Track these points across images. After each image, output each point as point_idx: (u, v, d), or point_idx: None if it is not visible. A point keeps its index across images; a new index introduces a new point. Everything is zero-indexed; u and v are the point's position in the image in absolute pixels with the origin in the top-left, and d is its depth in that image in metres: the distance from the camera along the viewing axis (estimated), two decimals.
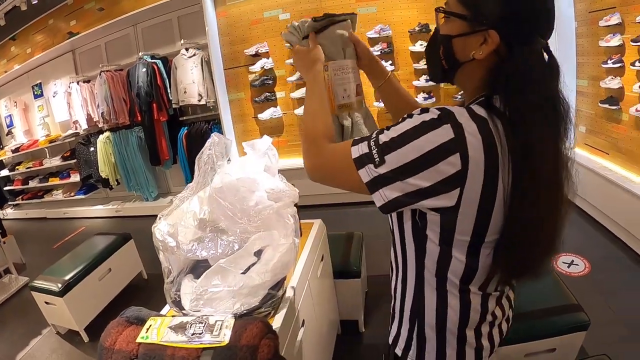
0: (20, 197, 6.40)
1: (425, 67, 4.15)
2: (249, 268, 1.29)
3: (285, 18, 4.38)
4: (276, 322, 1.35)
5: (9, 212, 6.62)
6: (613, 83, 3.23)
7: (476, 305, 0.91)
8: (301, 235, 1.76)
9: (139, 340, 1.16)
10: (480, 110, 0.76)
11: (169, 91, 4.74)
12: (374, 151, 0.79)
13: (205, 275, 1.26)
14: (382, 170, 0.78)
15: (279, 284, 1.38)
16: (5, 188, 6.25)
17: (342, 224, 2.87)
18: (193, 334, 1.14)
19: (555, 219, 0.82)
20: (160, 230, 1.33)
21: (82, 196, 5.87)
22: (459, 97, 4.13)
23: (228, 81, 4.69)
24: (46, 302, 3.00)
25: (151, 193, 5.50)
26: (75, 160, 5.59)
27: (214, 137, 1.56)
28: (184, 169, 5.07)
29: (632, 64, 2.97)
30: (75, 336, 3.11)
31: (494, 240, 0.82)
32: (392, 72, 1.17)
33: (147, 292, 3.54)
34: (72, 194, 5.96)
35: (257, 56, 4.47)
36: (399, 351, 1.02)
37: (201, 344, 1.11)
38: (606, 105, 3.34)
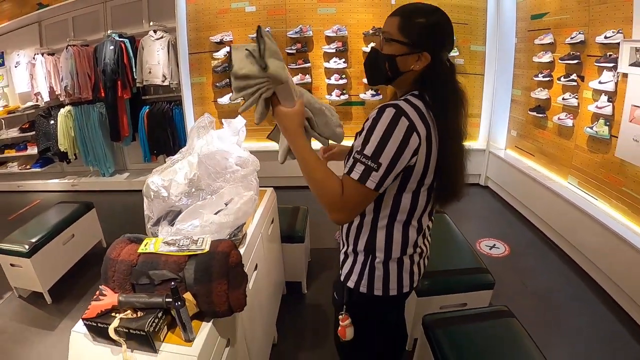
0: None
1: None
2: (218, 212, 1.62)
3: (251, 11, 4.60)
4: None
5: None
6: (542, 94, 3.66)
7: (413, 237, 1.31)
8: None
9: (140, 250, 1.46)
10: (416, 101, 1.15)
11: (134, 70, 4.83)
12: (369, 163, 1.10)
13: (185, 212, 1.57)
14: (381, 171, 1.10)
15: (240, 227, 1.73)
16: None
17: (291, 202, 3.24)
18: (182, 245, 1.45)
19: (462, 163, 1.25)
20: (154, 182, 1.63)
21: (38, 169, 5.77)
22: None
23: (192, 65, 4.85)
24: (11, 264, 3.08)
25: (108, 169, 5.54)
26: (33, 133, 5.50)
27: (205, 117, 1.95)
28: (142, 146, 5.17)
29: (559, 79, 3.40)
30: (38, 298, 3.20)
31: (429, 182, 1.22)
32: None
33: None
34: (27, 167, 5.82)
35: (221, 44, 4.67)
36: (351, 284, 1.39)
37: (188, 251, 1.42)
38: (534, 113, 3.77)
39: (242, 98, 1.15)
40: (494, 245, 3.43)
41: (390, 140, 1.09)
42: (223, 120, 1.99)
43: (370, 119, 1.13)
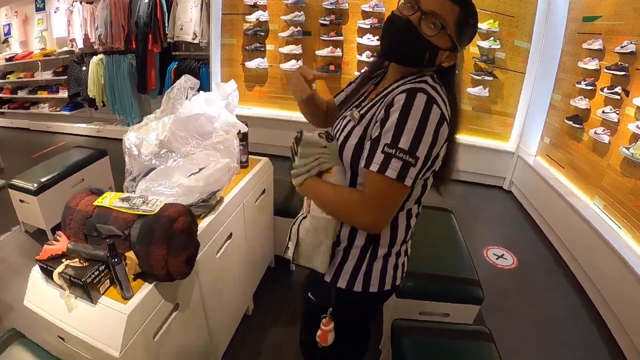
0: (6, 105, 6.38)
1: None
2: (190, 176, 1.57)
3: None
4: (204, 223, 1.66)
5: None
6: (581, 103, 3.38)
7: (411, 225, 1.23)
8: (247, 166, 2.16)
9: (95, 203, 1.44)
10: (438, 87, 1.04)
11: (166, 25, 4.85)
12: (407, 157, 0.96)
13: (154, 172, 1.53)
14: (418, 166, 0.98)
15: (213, 194, 1.67)
16: None
17: None
18: (134, 204, 1.41)
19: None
20: (129, 139, 1.63)
21: (67, 112, 5.95)
22: None
23: (223, 26, 4.80)
24: (20, 200, 3.21)
25: (133, 119, 5.61)
26: (66, 77, 5.64)
27: (184, 78, 1.89)
28: None
29: (602, 90, 3.11)
30: (42, 235, 3.35)
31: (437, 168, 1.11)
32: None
33: None
34: (57, 109, 6.02)
35: (254, 7, 4.58)
36: (343, 283, 1.26)
37: (138, 210, 1.38)
38: (571, 123, 3.50)
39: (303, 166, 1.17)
40: (502, 255, 3.26)
41: (425, 131, 0.96)
42: (213, 83, 1.93)
43: (397, 104, 0.98)
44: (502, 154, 4.38)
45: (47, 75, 5.94)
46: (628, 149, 2.74)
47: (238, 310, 2.34)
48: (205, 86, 4.94)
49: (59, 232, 1.47)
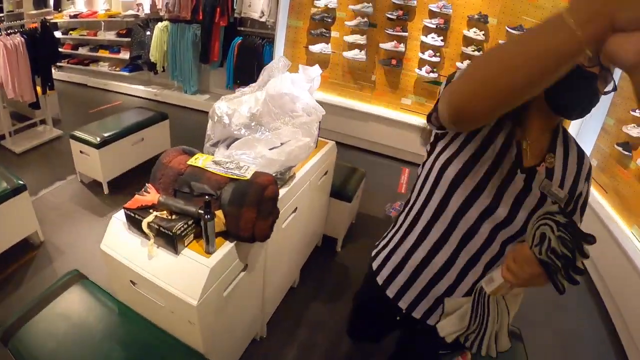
0: (66, 60, 6.55)
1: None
2: (272, 149, 1.70)
3: None
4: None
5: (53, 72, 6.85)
6: (634, 131, 3.37)
7: None
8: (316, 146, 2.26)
9: (189, 162, 1.59)
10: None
11: (235, 0, 4.99)
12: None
13: (241, 141, 1.66)
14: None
15: (290, 168, 1.82)
16: None
17: (352, 162, 3.27)
18: (227, 168, 1.55)
19: None
20: (220, 108, 1.76)
21: (127, 73, 6.14)
22: None
23: (291, 7, 4.87)
24: (81, 151, 3.39)
25: (192, 87, 5.81)
26: (129, 39, 5.84)
27: (280, 59, 2.05)
28: (228, 74, 5.38)
29: None
30: (96, 187, 3.54)
31: None
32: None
33: None
34: (117, 69, 6.23)
35: None
36: None
37: (231, 174, 1.51)
38: (620, 149, 3.48)
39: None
40: None
41: None
42: (300, 65, 2.04)
43: (584, 162, 1.03)
44: None
45: (110, 36, 6.14)
46: None
47: (287, 281, 2.49)
48: (267, 64, 5.09)
49: (149, 184, 1.61)
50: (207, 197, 1.39)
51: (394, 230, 1.25)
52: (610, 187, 3.65)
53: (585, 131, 4.13)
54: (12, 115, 4.30)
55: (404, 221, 1.20)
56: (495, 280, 0.98)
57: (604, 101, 3.91)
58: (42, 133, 4.46)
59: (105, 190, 3.47)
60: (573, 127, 4.23)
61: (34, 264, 2.67)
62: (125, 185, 3.57)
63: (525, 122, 1.00)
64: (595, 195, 3.79)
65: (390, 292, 1.23)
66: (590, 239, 0.85)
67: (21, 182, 2.61)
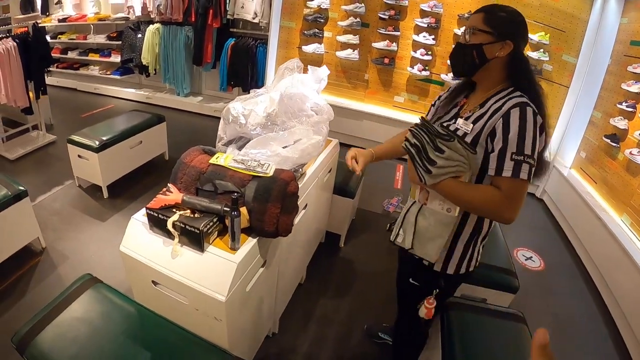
0: (55, 64, 6.46)
1: None
2: (286, 147, 1.77)
3: None
4: None
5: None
6: (621, 123, 3.49)
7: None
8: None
9: (211, 161, 1.64)
10: (527, 99, 1.24)
11: (227, 2, 4.99)
12: (531, 161, 1.19)
13: (256, 140, 1.71)
14: (532, 161, 1.20)
15: (302, 166, 1.89)
16: None
17: None
18: (249, 165, 1.60)
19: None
20: (235, 108, 1.81)
21: (117, 77, 6.11)
22: None
23: (284, 8, 4.92)
24: (79, 156, 3.36)
25: (184, 89, 5.83)
26: (119, 42, 5.80)
27: (294, 61, 2.13)
28: (221, 75, 5.40)
29: None
30: (96, 191, 3.52)
31: None
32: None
33: (166, 170, 3.84)
34: (108, 73, 6.19)
35: None
36: (451, 270, 1.50)
37: (254, 172, 1.57)
38: (608, 141, 3.60)
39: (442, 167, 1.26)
40: (531, 257, 3.41)
41: (537, 137, 1.21)
42: (309, 66, 2.10)
43: (513, 116, 1.21)
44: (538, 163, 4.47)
45: (100, 39, 6.08)
46: None
47: (296, 277, 2.55)
48: (260, 64, 5.11)
49: (170, 184, 1.64)
50: (234, 194, 1.43)
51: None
52: (599, 177, 3.78)
53: (573, 125, 4.26)
54: (4, 121, 4.27)
55: None
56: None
57: (591, 95, 4.04)
58: (35, 139, 4.43)
59: (105, 194, 3.47)
60: (562, 120, 4.36)
61: (38, 271, 2.65)
62: (125, 189, 3.59)
63: (473, 93, 1.44)
64: (585, 186, 3.92)
65: None
66: (445, 137, 1.24)
67: (22, 188, 2.57)
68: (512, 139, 1.19)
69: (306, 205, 2.14)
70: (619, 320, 2.80)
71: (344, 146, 4.71)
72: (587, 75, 4.11)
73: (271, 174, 1.56)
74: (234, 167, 1.59)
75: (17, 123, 4.47)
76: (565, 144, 4.37)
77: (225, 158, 1.64)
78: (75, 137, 3.34)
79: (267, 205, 1.48)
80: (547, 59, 4.22)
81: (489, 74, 1.34)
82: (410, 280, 1.63)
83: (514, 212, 1.23)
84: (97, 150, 3.26)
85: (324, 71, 2.09)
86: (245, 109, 1.81)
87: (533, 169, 1.20)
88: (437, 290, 1.55)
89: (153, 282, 1.60)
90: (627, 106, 3.45)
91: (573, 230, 3.77)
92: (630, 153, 3.28)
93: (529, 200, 4.49)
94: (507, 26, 1.28)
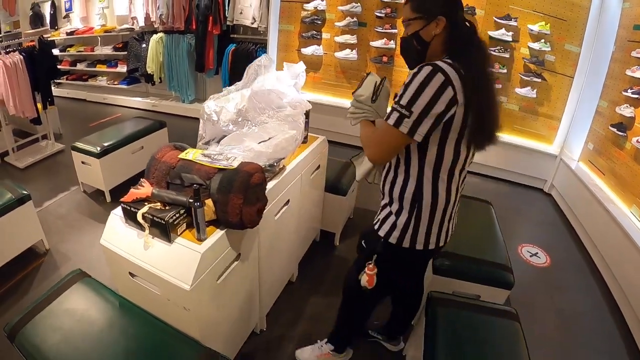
0: (65, 77, 6.69)
1: None
2: (260, 142, 1.77)
3: None
4: (268, 186, 1.82)
5: (52, 89, 6.96)
6: (627, 111, 3.37)
7: (443, 191, 1.41)
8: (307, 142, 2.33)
9: (180, 156, 1.67)
10: (451, 61, 1.25)
11: (226, 8, 5.07)
12: (403, 111, 1.24)
13: (229, 137, 1.73)
14: (413, 117, 1.23)
15: (278, 161, 1.87)
16: None
17: (347, 159, 3.33)
18: (215, 159, 1.62)
19: (494, 108, 1.37)
20: (208, 106, 1.83)
21: (125, 86, 6.26)
22: None
23: (282, 12, 4.96)
24: (82, 162, 3.47)
25: (189, 96, 5.92)
26: (125, 53, 5.94)
27: (263, 57, 2.15)
28: (223, 80, 5.46)
29: None
30: (99, 196, 3.62)
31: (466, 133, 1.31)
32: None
33: None
34: (115, 83, 6.34)
35: None
36: (382, 233, 1.52)
37: (218, 165, 1.57)
38: (615, 130, 3.49)
39: (354, 113, 1.50)
40: (536, 253, 3.32)
41: (424, 92, 1.21)
42: (284, 63, 2.12)
43: (410, 75, 1.26)
44: (545, 157, 4.38)
45: (107, 50, 6.25)
46: None
47: (285, 274, 2.53)
48: None
49: (143, 179, 1.69)
50: (195, 186, 1.45)
51: None
52: (607, 168, 3.66)
53: (579, 116, 4.15)
54: (15, 132, 4.40)
55: None
56: None
57: (596, 84, 3.93)
58: (44, 148, 4.55)
59: (108, 199, 3.54)
60: (568, 112, 4.26)
61: (41, 271, 2.73)
62: (126, 192, 3.61)
63: None
64: (594, 178, 3.80)
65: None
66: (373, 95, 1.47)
67: (25, 192, 2.67)
68: (399, 92, 1.27)
69: (288, 201, 2.13)
70: (628, 315, 2.69)
71: (344, 146, 4.73)
72: (591, 64, 3.99)
73: (235, 166, 1.57)
74: (200, 161, 1.61)
75: (27, 133, 4.62)
76: (572, 136, 4.25)
77: (194, 153, 1.67)
78: (79, 144, 3.43)
79: (229, 196, 1.48)
80: (549, 49, 4.12)
81: (434, 52, 1.37)
82: (362, 242, 1.68)
83: (376, 153, 1.37)
84: (99, 155, 3.34)
85: (300, 67, 2.09)
86: (217, 106, 1.83)
87: (407, 120, 1.23)
88: (376, 255, 1.56)
89: (130, 273, 1.64)
90: (632, 93, 3.33)
91: (582, 224, 3.65)
92: (637, 141, 3.17)
93: (536, 195, 4.39)
94: (432, 4, 1.32)
